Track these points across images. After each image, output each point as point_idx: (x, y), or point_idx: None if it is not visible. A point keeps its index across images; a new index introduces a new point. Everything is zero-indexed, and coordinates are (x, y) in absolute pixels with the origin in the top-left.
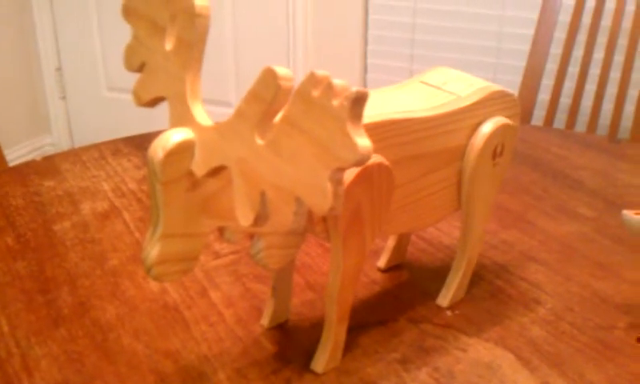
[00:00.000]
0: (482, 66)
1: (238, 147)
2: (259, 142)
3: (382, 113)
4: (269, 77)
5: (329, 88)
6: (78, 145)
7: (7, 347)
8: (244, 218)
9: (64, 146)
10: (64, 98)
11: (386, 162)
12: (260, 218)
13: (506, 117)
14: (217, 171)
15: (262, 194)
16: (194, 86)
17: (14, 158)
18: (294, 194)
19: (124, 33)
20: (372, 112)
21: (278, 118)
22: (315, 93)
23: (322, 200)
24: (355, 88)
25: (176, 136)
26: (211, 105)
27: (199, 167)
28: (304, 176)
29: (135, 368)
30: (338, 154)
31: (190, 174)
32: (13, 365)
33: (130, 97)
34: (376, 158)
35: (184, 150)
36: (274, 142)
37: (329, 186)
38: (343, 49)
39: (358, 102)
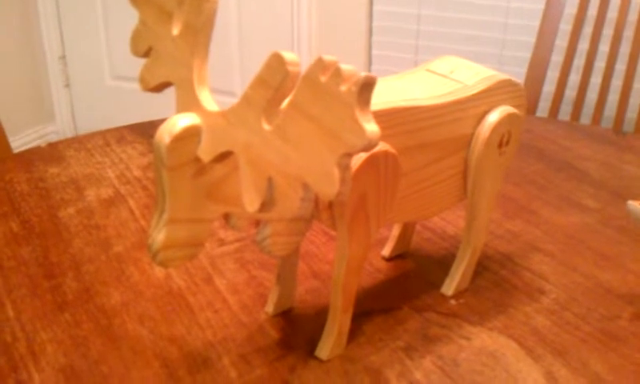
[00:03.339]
0: (488, 57)
1: (244, 133)
2: (266, 127)
3: (389, 101)
4: (276, 62)
5: (337, 73)
6: (81, 133)
7: (13, 332)
8: (250, 203)
9: (67, 134)
10: (68, 86)
11: (393, 150)
12: (266, 204)
13: (513, 106)
14: (223, 157)
15: (269, 180)
16: (200, 72)
17: (18, 145)
18: (300, 180)
19: (128, 21)
20: (378, 100)
21: (285, 103)
22: (323, 78)
23: (329, 185)
24: (363, 73)
25: (183, 121)
26: (216, 94)
27: (205, 153)
28: (311, 161)
29: (140, 353)
30: (346, 139)
31: (197, 159)
32: (18, 349)
33: (134, 85)
34: (382, 146)
35: (190, 136)
36: (281, 128)
37: (336, 172)
38: (348, 40)
39: (367, 87)
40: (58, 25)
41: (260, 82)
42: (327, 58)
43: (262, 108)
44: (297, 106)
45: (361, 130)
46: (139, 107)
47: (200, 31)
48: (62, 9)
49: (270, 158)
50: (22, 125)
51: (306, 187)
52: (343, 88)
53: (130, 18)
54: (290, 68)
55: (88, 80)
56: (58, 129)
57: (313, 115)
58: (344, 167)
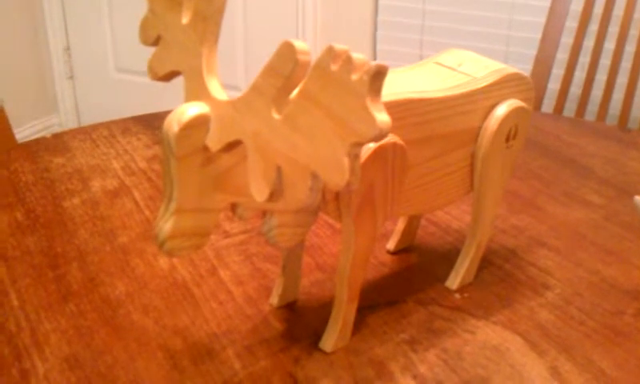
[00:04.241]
0: (492, 54)
1: (253, 122)
2: (276, 116)
3: (397, 92)
4: (287, 51)
5: (348, 62)
6: (84, 125)
7: (17, 321)
8: (259, 193)
9: (71, 126)
10: (72, 77)
11: (401, 142)
12: (275, 193)
13: (521, 100)
14: (232, 146)
15: (278, 169)
16: (209, 60)
17: (22, 137)
18: (309, 169)
19: (133, 13)
20: (387, 91)
21: (295, 92)
22: (334, 67)
23: (338, 175)
24: (375, 62)
25: (191, 110)
26: None
27: (214, 142)
28: (321, 151)
29: (144, 344)
30: (356, 128)
31: (205, 148)
32: (22, 339)
33: (137, 78)
34: (391, 138)
35: (199, 124)
36: (291, 117)
37: (346, 161)
38: (353, 34)
39: (378, 76)
40: (62, 16)
41: (270, 70)
42: (338, 46)
43: (271, 97)
44: (307, 95)
45: (372, 119)
46: (143, 100)
47: (209, 20)
48: (67, 0)
49: (279, 148)
50: (26, 116)
51: (314, 177)
52: (354, 77)
53: (135, 10)
54: (301, 57)
55: (92, 72)
56: (62, 121)
57: (323, 104)
58: (354, 157)
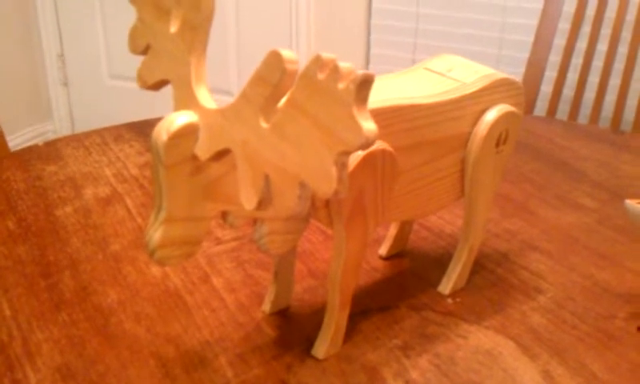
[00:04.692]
0: (485, 57)
1: (242, 130)
2: (264, 125)
3: (387, 99)
4: (274, 60)
5: (335, 71)
6: (78, 132)
7: (9, 331)
8: (248, 201)
9: (65, 132)
10: (66, 84)
11: (390, 149)
12: (264, 202)
13: (511, 104)
14: (221, 155)
15: (266, 178)
16: (198, 69)
17: (15, 144)
18: (298, 178)
19: (126, 20)
20: (376, 98)
21: (282, 101)
22: (321, 76)
23: (326, 184)
24: (361, 71)
25: (180, 119)
26: (213, 93)
27: (203, 151)
28: (308, 159)
29: (136, 352)
30: (343, 137)
31: (194, 157)
32: (14, 348)
33: (131, 85)
34: (380, 144)
35: (188, 133)
36: (279, 126)
37: (333, 170)
38: (346, 38)
39: (364, 85)
40: (56, 23)
41: (258, 79)
42: (325, 55)
43: (259, 106)
44: (294, 104)
45: (358, 128)
46: (137, 106)
47: (198, 28)
48: (61, 7)
49: (267, 156)
50: (20, 123)
51: (303, 185)
52: (341, 86)
53: (128, 17)
54: (288, 66)
55: (86, 79)
56: (56, 127)
57: (310, 113)
58: (341, 165)
